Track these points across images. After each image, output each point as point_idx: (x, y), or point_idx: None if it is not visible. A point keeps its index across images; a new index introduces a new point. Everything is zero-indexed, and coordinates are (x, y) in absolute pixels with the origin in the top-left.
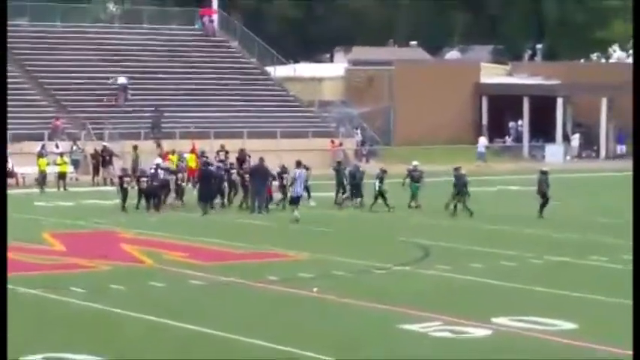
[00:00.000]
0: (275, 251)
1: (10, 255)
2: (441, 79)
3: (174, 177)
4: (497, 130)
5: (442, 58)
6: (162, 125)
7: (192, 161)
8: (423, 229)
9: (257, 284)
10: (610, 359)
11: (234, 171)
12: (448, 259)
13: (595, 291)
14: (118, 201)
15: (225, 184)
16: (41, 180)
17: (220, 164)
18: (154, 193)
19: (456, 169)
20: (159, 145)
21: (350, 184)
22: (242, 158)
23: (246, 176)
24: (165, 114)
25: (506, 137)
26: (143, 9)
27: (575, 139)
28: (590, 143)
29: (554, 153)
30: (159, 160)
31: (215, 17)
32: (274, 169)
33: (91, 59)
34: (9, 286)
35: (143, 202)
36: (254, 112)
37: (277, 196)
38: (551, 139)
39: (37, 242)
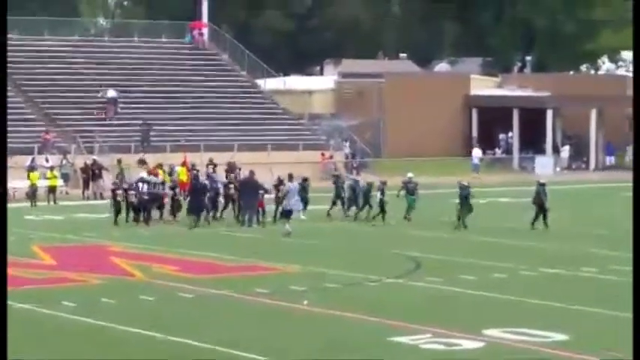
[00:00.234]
0: (266, 264)
1: None
2: (431, 91)
3: (170, 192)
4: (487, 142)
5: (432, 70)
6: (152, 139)
7: (183, 174)
8: (415, 241)
9: (248, 297)
10: None
11: (232, 185)
12: (440, 272)
13: (586, 302)
14: (109, 214)
15: (221, 199)
16: (32, 194)
17: (208, 179)
18: (144, 207)
19: (460, 182)
20: (144, 163)
21: (348, 198)
22: (231, 171)
23: (232, 187)
24: (156, 127)
25: (496, 149)
26: (133, 22)
27: (565, 151)
28: (579, 155)
29: (544, 165)
30: (143, 174)
31: (205, 30)
32: (266, 183)
33: (81, 72)
34: None
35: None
36: (244, 125)
37: (271, 208)
38: (541, 150)
39: (27, 256)
